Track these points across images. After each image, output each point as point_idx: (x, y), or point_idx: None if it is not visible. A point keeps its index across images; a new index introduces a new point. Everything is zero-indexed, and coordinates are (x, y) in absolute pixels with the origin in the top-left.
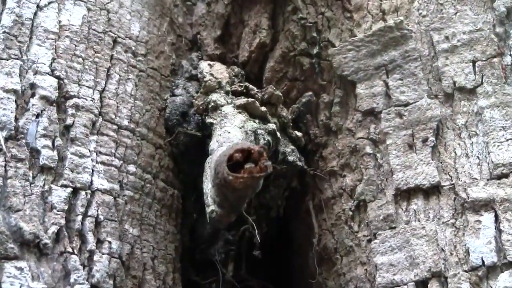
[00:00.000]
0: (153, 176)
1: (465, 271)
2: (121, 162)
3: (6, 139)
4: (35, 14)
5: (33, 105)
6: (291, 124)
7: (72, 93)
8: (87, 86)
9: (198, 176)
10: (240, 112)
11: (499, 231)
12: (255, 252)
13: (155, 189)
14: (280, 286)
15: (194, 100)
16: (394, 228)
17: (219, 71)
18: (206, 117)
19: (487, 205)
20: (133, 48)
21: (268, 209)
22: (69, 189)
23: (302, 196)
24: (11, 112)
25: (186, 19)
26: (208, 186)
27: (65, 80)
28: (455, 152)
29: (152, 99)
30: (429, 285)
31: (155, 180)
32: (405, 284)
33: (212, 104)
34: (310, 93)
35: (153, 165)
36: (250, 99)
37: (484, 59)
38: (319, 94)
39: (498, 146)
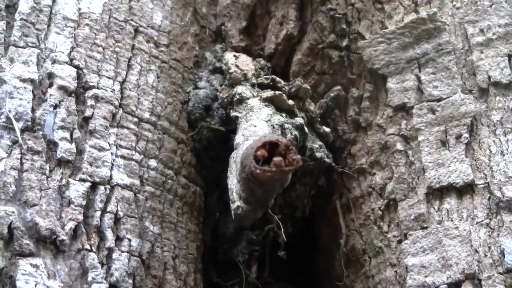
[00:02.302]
0: (174, 172)
1: (500, 273)
2: (142, 156)
3: (22, 131)
4: (53, 1)
5: (50, 95)
6: (319, 119)
7: (91, 84)
8: (107, 77)
9: (221, 172)
10: (266, 105)
11: None
12: (280, 253)
13: (177, 186)
14: None
15: (218, 93)
16: (426, 228)
17: (245, 63)
18: (231, 111)
19: None
20: (155, 38)
21: (293, 209)
22: (88, 184)
23: (329, 195)
24: (28, 103)
25: (210, 10)
26: (233, 181)
27: (84, 70)
28: (490, 150)
29: (175, 92)
30: (462, 287)
31: (176, 176)
32: (437, 287)
33: (238, 96)
34: (339, 87)
35: (175, 160)
36: (277, 92)
37: None
38: (348, 88)
39: None
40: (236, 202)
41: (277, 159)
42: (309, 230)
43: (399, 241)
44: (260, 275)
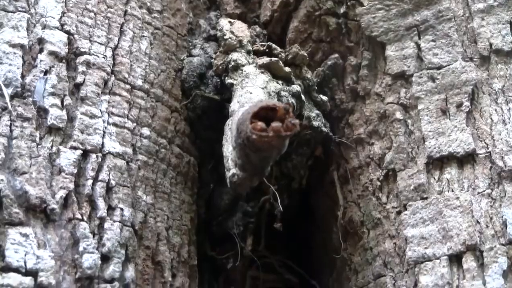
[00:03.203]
0: (168, 141)
1: (502, 244)
2: (135, 124)
3: (12, 97)
4: None
5: (41, 61)
6: (316, 87)
7: (82, 50)
8: (98, 43)
9: (215, 143)
10: (262, 72)
11: None
12: (276, 225)
13: (170, 155)
14: (301, 262)
15: (213, 60)
16: (426, 198)
17: (240, 29)
18: (226, 78)
19: None
20: (148, 4)
21: (290, 180)
22: (79, 152)
23: (326, 166)
24: (18, 68)
25: None
26: (228, 149)
27: (76, 36)
28: (491, 118)
29: (168, 59)
30: (463, 259)
31: (170, 145)
32: (437, 258)
33: (233, 63)
34: (336, 55)
35: (168, 129)
36: (273, 58)
37: None
38: (345, 56)
39: None
40: (231, 169)
41: (275, 124)
42: (306, 202)
43: (398, 212)
44: (256, 248)
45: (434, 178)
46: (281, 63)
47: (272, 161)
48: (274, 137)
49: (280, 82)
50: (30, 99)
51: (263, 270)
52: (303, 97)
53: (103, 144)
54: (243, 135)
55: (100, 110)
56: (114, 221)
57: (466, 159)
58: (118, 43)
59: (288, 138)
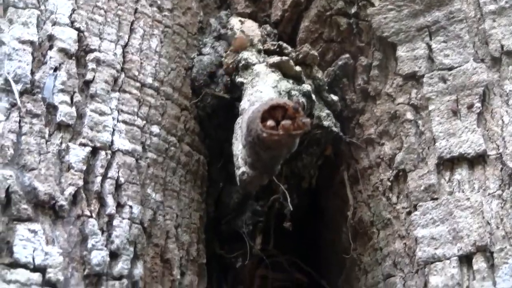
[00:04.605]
0: (177, 139)
1: None
2: (144, 122)
3: (21, 93)
4: None
5: (50, 58)
6: (327, 87)
7: (92, 47)
8: (109, 40)
9: (225, 141)
10: (273, 71)
11: None
12: (286, 224)
13: (180, 153)
14: (310, 262)
15: (223, 59)
16: (436, 199)
17: (251, 28)
18: (236, 77)
19: None
20: (159, 2)
21: (299, 179)
22: (88, 149)
23: (336, 166)
24: (27, 65)
25: None
26: (238, 147)
27: (86, 33)
28: (502, 120)
29: (178, 58)
30: (473, 260)
31: (179, 143)
32: (447, 259)
33: (243, 62)
34: (347, 55)
35: (178, 127)
36: (284, 58)
37: None
38: (356, 56)
39: None
40: (241, 167)
41: (285, 122)
42: (315, 202)
43: (409, 213)
44: (265, 247)
45: (445, 179)
46: (291, 62)
47: (282, 160)
48: (284, 135)
49: (290, 81)
50: (40, 95)
51: (272, 269)
52: (313, 96)
53: (112, 141)
54: (253, 133)
55: (110, 108)
56: (123, 218)
57: (477, 160)
58: (128, 40)
59: (299, 137)
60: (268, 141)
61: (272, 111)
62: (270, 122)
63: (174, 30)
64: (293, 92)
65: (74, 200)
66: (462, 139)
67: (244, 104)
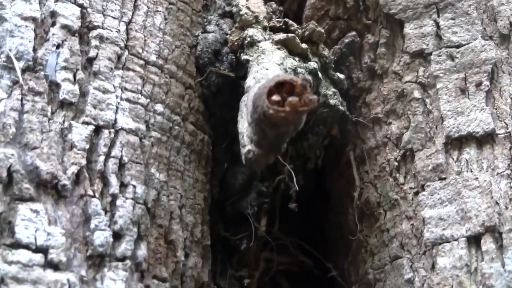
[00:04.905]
0: (182, 118)
1: None
2: (148, 100)
3: (24, 71)
4: None
5: (53, 34)
6: (333, 65)
7: (96, 24)
8: (112, 17)
9: (230, 121)
10: (279, 49)
11: None
12: (291, 205)
13: (184, 132)
14: (316, 244)
15: (228, 36)
16: (444, 179)
17: (256, 5)
18: (242, 54)
19: None
20: None
21: (305, 160)
22: (91, 127)
23: (342, 146)
24: (29, 42)
25: None
26: (244, 125)
27: (89, 9)
28: (511, 98)
29: (182, 35)
30: (482, 240)
31: (184, 122)
32: (455, 240)
33: (249, 39)
34: (354, 33)
35: (182, 106)
36: (290, 35)
37: None
38: (363, 34)
39: None
40: (247, 146)
41: (292, 98)
42: (321, 183)
43: (416, 193)
44: (270, 229)
45: (453, 158)
46: (297, 39)
47: (289, 137)
48: (291, 112)
49: (296, 58)
50: (42, 73)
51: (277, 251)
52: (320, 74)
53: (116, 120)
54: (259, 110)
55: (113, 85)
56: (127, 198)
57: (485, 139)
58: (132, 17)
59: (305, 114)
60: (274, 118)
61: (279, 88)
62: (275, 97)
63: (178, 7)
64: (299, 70)
65: (77, 179)
66: (470, 118)
67: (249, 81)
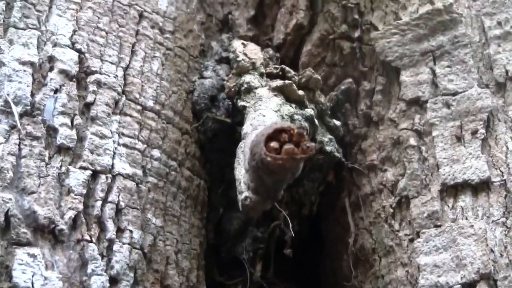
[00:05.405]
0: (178, 163)
1: None
2: (145, 146)
3: (21, 115)
4: None
5: (51, 79)
6: (329, 112)
7: (93, 69)
8: (110, 62)
9: (226, 166)
10: (275, 95)
11: None
12: (286, 251)
13: (180, 178)
14: None
15: (225, 82)
16: (440, 226)
17: (253, 52)
18: (238, 100)
19: None
20: (160, 24)
21: (300, 206)
22: (88, 172)
23: (337, 193)
24: (27, 86)
25: None
26: (241, 172)
27: (87, 55)
28: (506, 146)
29: (179, 80)
30: None
31: (180, 168)
32: (450, 287)
33: (246, 86)
34: (350, 80)
35: (178, 151)
36: (287, 81)
37: None
38: (359, 81)
39: None
40: (244, 192)
41: (289, 146)
42: (315, 229)
43: (411, 240)
44: (265, 274)
45: (448, 206)
46: (294, 86)
47: (286, 184)
48: (288, 159)
49: (293, 105)
50: (40, 117)
51: None
52: (316, 121)
53: (113, 165)
54: (257, 157)
55: (111, 131)
56: (123, 244)
57: (481, 187)
58: (130, 63)
59: (303, 161)
60: (272, 165)
61: (276, 135)
62: (274, 144)
63: (176, 53)
64: (295, 117)
65: (74, 224)
66: (466, 166)
67: (246, 128)
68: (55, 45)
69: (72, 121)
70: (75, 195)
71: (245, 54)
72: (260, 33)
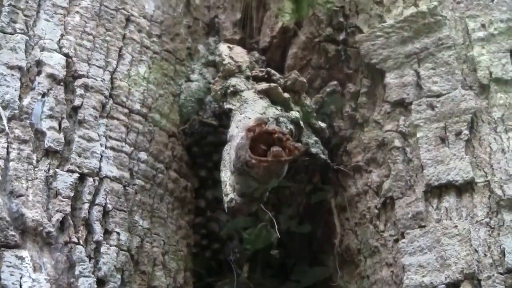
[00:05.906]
0: (165, 166)
1: (500, 273)
2: (132, 148)
3: (9, 119)
4: None
5: (39, 83)
6: (315, 114)
7: (81, 73)
8: (97, 66)
9: (213, 169)
10: (261, 98)
11: None
12: (273, 252)
13: (167, 180)
14: None
15: (211, 85)
16: (424, 226)
17: (239, 55)
18: (224, 103)
19: None
20: (147, 28)
21: (287, 207)
22: (76, 175)
23: (323, 194)
24: (15, 90)
25: (203, 1)
26: (226, 174)
27: (74, 59)
28: (490, 147)
29: (166, 84)
30: (461, 287)
31: (167, 170)
32: (435, 287)
33: (232, 88)
34: (335, 82)
35: (165, 154)
36: (272, 84)
37: None
38: (344, 83)
39: None
40: (229, 194)
41: (275, 148)
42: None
43: (396, 240)
44: (252, 275)
45: (432, 206)
46: (280, 89)
47: (271, 186)
48: (273, 162)
49: (279, 108)
50: (28, 121)
51: None
52: (301, 123)
53: (100, 167)
54: (242, 159)
55: (98, 134)
56: (111, 245)
57: (465, 188)
58: (117, 66)
59: (287, 163)
60: (256, 168)
61: (262, 138)
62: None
63: (162, 56)
64: (281, 119)
65: (62, 226)
66: (450, 166)
67: (232, 130)
68: (42, 49)
69: (59, 125)
70: (63, 197)
71: (231, 57)
72: (246, 36)
